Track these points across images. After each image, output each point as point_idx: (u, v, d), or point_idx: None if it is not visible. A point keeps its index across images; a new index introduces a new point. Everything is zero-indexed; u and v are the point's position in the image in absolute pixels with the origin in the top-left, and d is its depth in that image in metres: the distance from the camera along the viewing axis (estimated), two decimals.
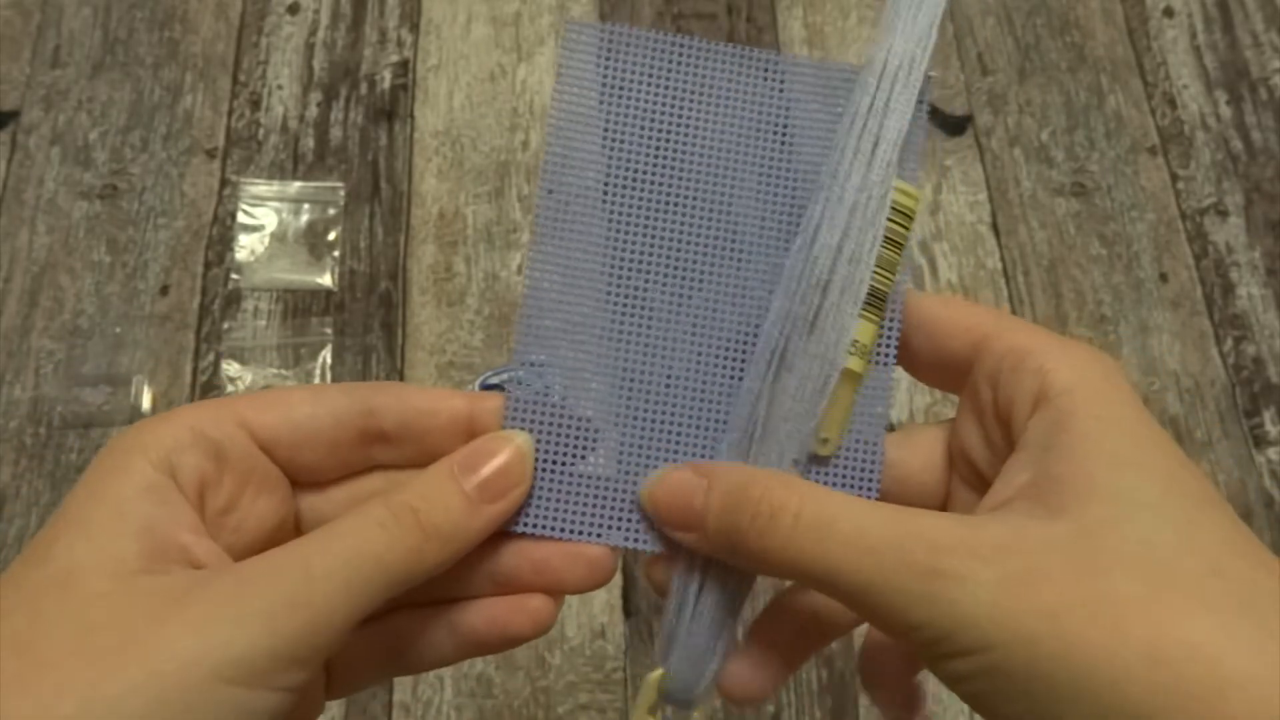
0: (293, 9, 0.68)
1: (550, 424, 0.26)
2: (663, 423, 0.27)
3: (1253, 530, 0.57)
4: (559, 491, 0.26)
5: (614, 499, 0.26)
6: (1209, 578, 0.20)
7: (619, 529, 0.26)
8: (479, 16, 0.68)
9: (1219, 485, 0.57)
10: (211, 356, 0.59)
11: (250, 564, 0.22)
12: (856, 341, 0.26)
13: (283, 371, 0.59)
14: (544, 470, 0.26)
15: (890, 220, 0.26)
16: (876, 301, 0.26)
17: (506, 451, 0.25)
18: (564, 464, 0.26)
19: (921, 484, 0.27)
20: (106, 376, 0.58)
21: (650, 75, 0.28)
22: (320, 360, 0.59)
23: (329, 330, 0.60)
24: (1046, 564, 0.21)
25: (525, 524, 0.26)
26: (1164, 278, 0.63)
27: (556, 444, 0.26)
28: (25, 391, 0.58)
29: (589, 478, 0.26)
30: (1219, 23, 0.70)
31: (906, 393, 0.60)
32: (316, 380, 0.59)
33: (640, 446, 0.27)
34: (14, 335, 0.59)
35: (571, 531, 0.26)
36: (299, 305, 0.60)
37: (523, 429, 0.26)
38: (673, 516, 0.25)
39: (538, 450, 0.26)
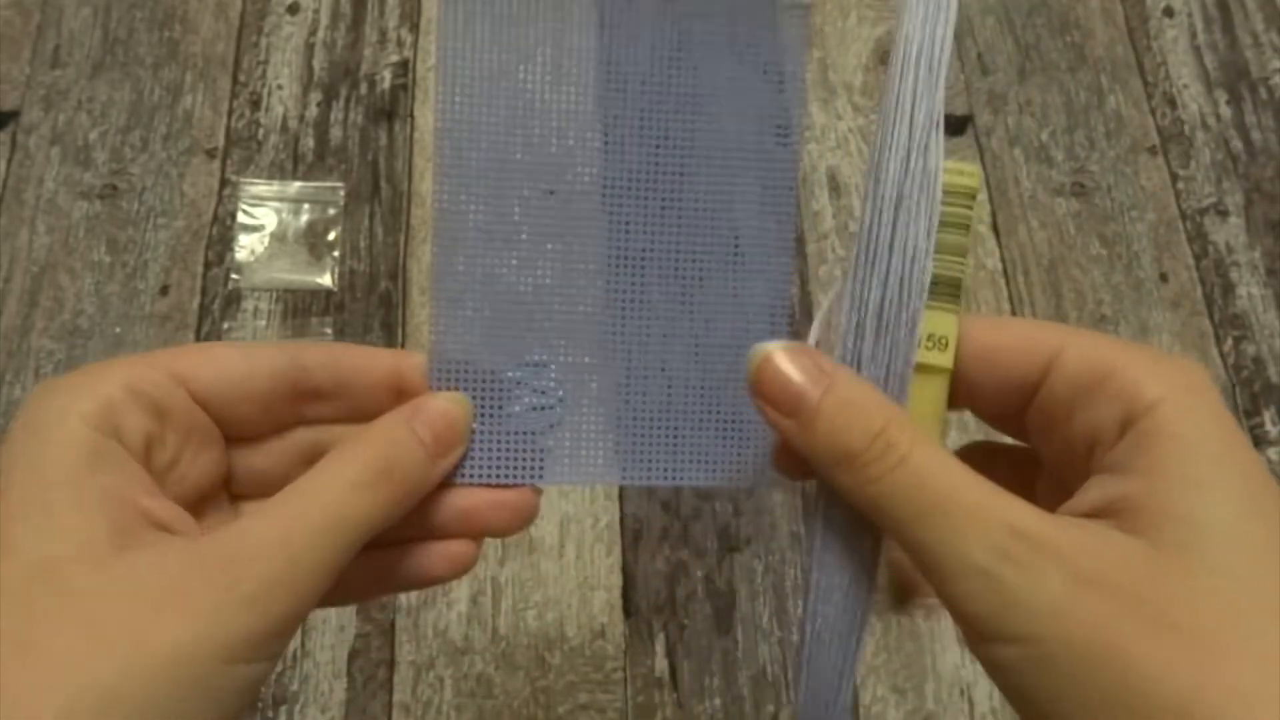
0: (293, 9, 0.68)
1: (474, 380, 0.28)
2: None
3: None
4: (490, 442, 0.28)
5: (546, 443, 0.28)
6: (1274, 617, 0.20)
7: (554, 469, 0.28)
8: None
9: None
10: None
11: (234, 542, 0.23)
12: (932, 335, 0.24)
13: None
14: (475, 424, 0.28)
15: (946, 203, 0.24)
16: (948, 289, 0.24)
17: (453, 407, 0.27)
18: (491, 416, 0.28)
19: None
20: None
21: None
22: None
23: (329, 330, 0.60)
24: (1117, 575, 0.20)
25: (461, 475, 0.27)
26: (1164, 278, 0.63)
27: (483, 399, 0.28)
28: (25, 391, 0.58)
29: (516, 428, 0.28)
30: (1219, 23, 0.70)
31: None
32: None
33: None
34: (14, 335, 0.59)
35: (505, 476, 0.28)
36: (299, 305, 0.60)
37: (448, 387, 0.27)
38: (777, 396, 0.24)
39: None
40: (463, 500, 0.27)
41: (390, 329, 0.60)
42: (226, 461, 0.27)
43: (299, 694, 0.52)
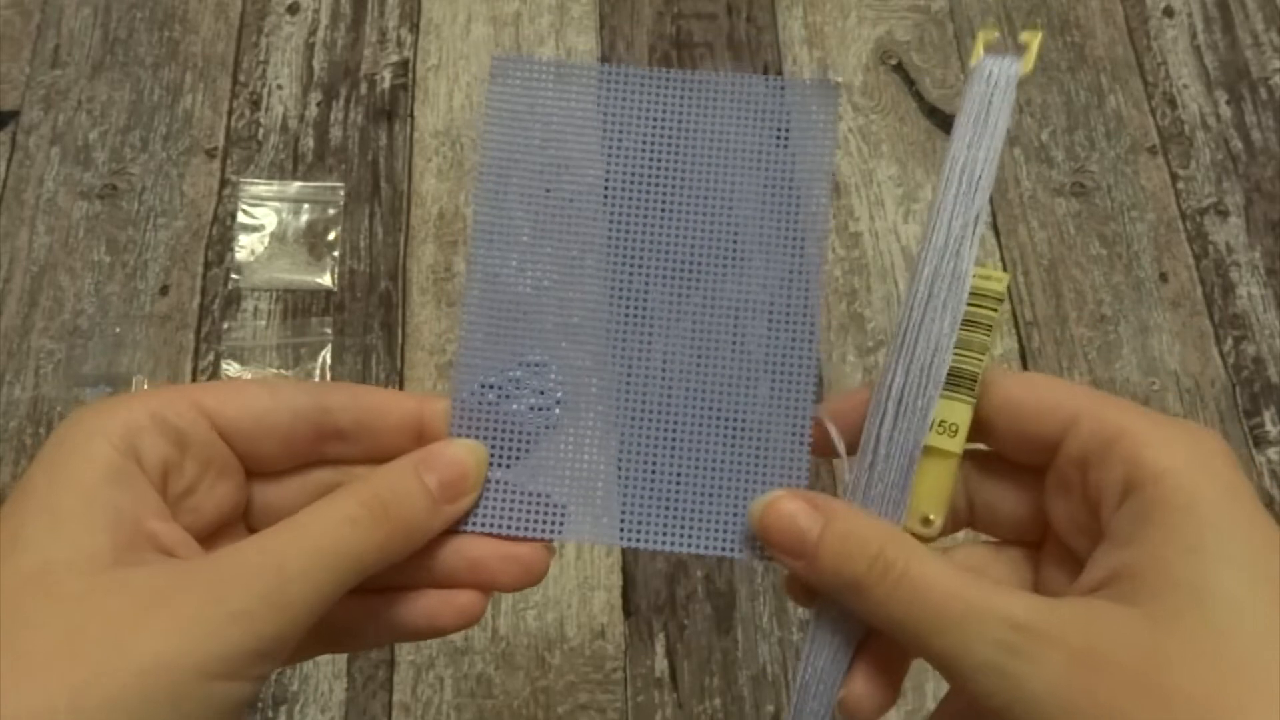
0: (293, 9, 0.68)
1: (494, 428, 0.28)
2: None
3: None
4: (505, 493, 0.27)
5: (560, 497, 0.27)
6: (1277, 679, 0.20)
7: (564, 526, 0.27)
8: (479, 16, 0.68)
9: None
10: (211, 356, 0.59)
11: (225, 560, 0.23)
12: (944, 421, 0.26)
13: (283, 371, 0.59)
14: (490, 473, 0.27)
15: (973, 303, 0.26)
16: (965, 382, 0.26)
17: (466, 456, 0.27)
18: (509, 467, 0.28)
19: None
20: (106, 376, 0.58)
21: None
22: (320, 360, 0.59)
23: (329, 330, 0.60)
24: (1112, 650, 0.21)
25: (473, 523, 0.27)
26: (1164, 278, 0.63)
27: (501, 448, 0.28)
28: (25, 391, 0.58)
29: (532, 481, 0.27)
30: (1219, 23, 0.70)
31: None
32: (316, 381, 0.59)
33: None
34: (14, 335, 0.59)
35: (516, 528, 0.27)
36: (299, 305, 0.60)
37: (468, 433, 0.27)
38: (783, 543, 0.26)
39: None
40: (472, 550, 0.27)
41: (390, 329, 0.60)
42: (245, 494, 0.27)
43: (299, 694, 0.52)
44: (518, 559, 0.27)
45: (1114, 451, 0.24)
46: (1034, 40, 0.27)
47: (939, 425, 0.26)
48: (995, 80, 0.27)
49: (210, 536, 0.26)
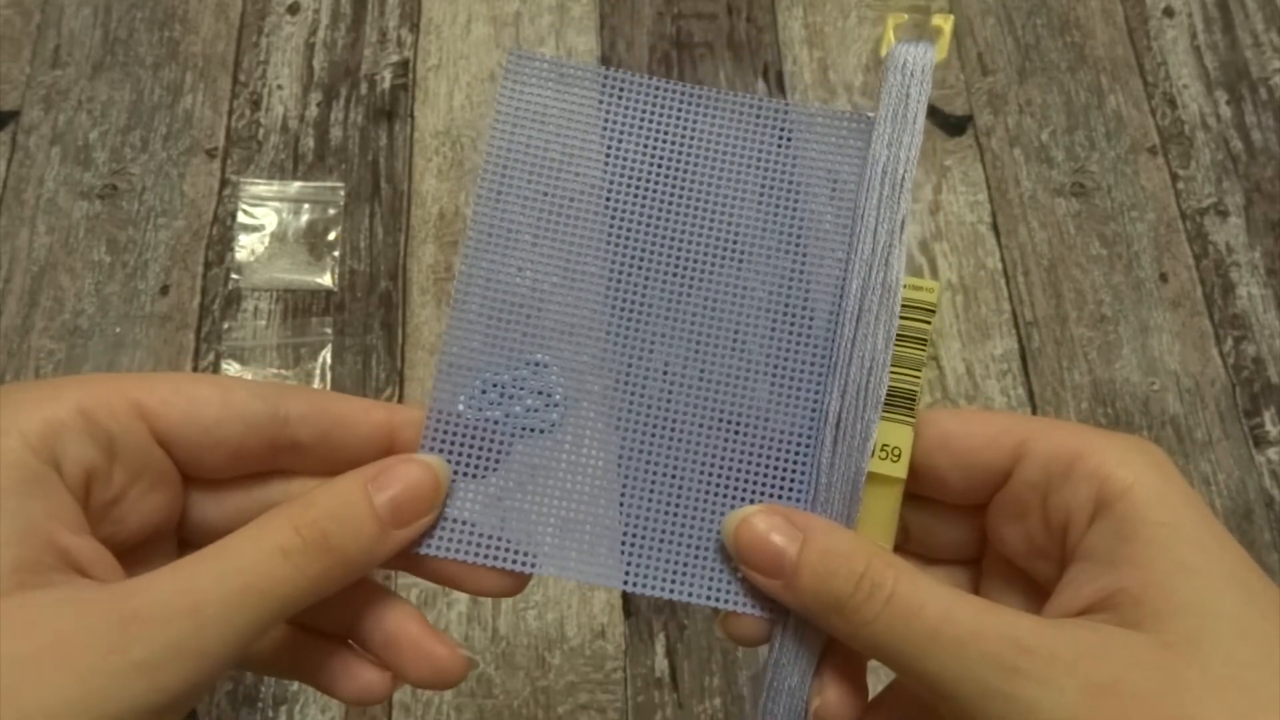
0: (293, 9, 0.68)
1: (477, 437, 0.25)
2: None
3: (1252, 530, 0.57)
4: (471, 514, 0.25)
5: (538, 524, 0.25)
6: None
7: (547, 559, 0.25)
8: (479, 16, 0.68)
9: (1219, 485, 0.57)
10: (211, 356, 0.59)
11: (137, 596, 0.21)
12: (886, 446, 0.25)
13: (283, 371, 0.59)
14: (459, 491, 0.25)
15: (905, 317, 0.25)
16: (903, 402, 0.25)
17: (423, 473, 0.24)
18: (481, 486, 0.25)
19: None
20: None
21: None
22: (320, 360, 0.59)
23: (329, 330, 0.60)
24: (1131, 678, 0.20)
25: (431, 546, 0.25)
26: (1164, 278, 0.63)
27: (482, 458, 0.25)
28: None
29: (507, 503, 0.25)
30: (1219, 23, 0.70)
31: None
32: (316, 381, 0.59)
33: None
34: (14, 335, 0.59)
35: (484, 557, 0.25)
36: (299, 305, 0.60)
37: (444, 445, 0.25)
38: (759, 561, 0.24)
39: (454, 470, 0.25)
40: (391, 622, 0.25)
41: (390, 329, 0.60)
42: (180, 505, 0.25)
43: (299, 694, 0.52)
44: (431, 657, 0.25)
45: (1076, 471, 0.23)
46: (946, 24, 0.25)
47: (880, 450, 0.25)
48: (911, 70, 0.25)
49: (135, 549, 0.24)
